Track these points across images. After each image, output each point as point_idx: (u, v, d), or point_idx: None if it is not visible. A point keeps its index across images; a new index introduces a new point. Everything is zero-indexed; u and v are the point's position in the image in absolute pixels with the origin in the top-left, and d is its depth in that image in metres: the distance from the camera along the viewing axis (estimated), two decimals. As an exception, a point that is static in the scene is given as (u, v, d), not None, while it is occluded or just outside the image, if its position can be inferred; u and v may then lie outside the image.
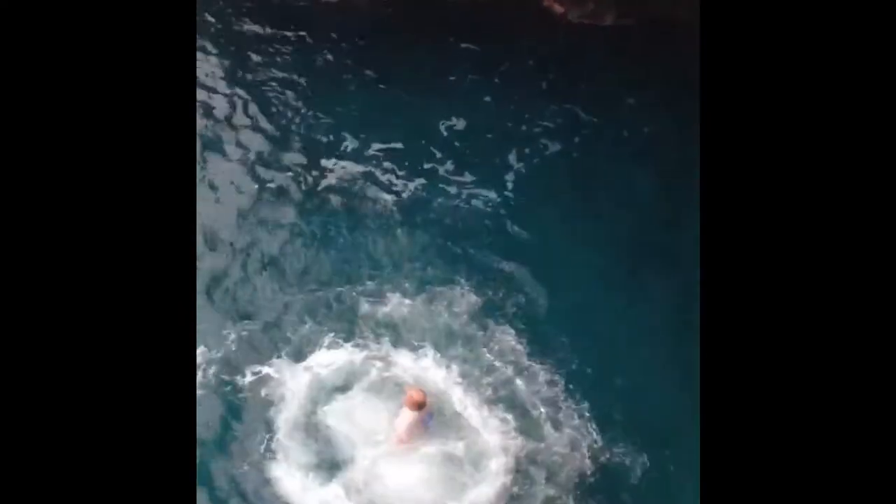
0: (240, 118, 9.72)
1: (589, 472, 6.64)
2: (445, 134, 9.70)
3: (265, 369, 7.11)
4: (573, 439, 6.81)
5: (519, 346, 7.38)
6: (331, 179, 9.04)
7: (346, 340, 7.34)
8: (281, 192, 8.85)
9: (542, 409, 6.96)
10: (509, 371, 7.19)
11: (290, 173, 9.07)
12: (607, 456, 6.73)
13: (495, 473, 6.54)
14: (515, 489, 6.51)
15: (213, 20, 11.08)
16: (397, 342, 7.34)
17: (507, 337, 7.45)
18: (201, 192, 8.61)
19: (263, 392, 6.98)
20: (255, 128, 9.62)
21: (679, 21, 9.77)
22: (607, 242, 8.52)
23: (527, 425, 6.86)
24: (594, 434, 6.83)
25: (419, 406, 6.38)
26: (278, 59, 10.60)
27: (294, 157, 9.30)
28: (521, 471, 6.59)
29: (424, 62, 10.56)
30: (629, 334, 7.68)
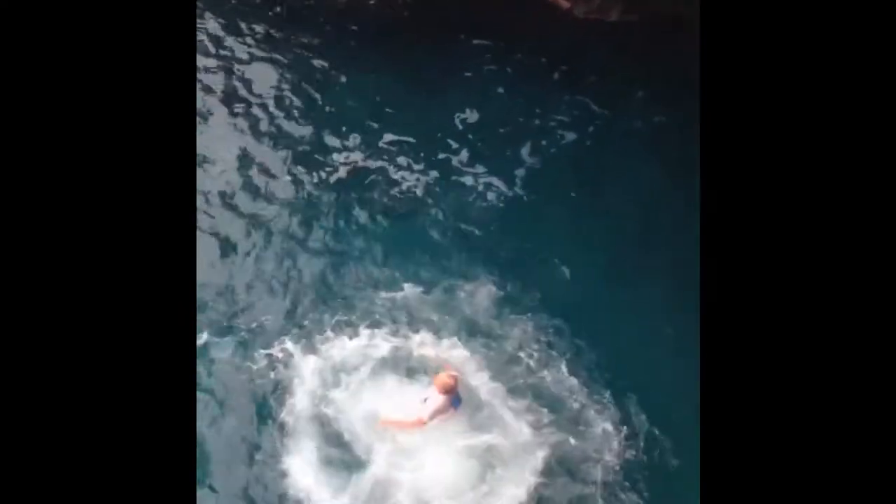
0: (251, 116, 9.84)
1: (615, 468, 6.66)
2: (460, 127, 9.80)
3: (281, 355, 7.18)
4: (597, 434, 6.83)
5: (539, 338, 7.42)
6: (342, 172, 9.15)
7: (363, 326, 7.42)
8: (294, 185, 8.98)
9: (565, 403, 6.99)
10: (530, 362, 7.23)
11: (302, 167, 9.20)
12: (633, 453, 6.77)
13: (523, 470, 6.56)
14: (548, 492, 6.51)
15: (221, 20, 11.13)
16: (416, 329, 7.42)
17: (527, 329, 7.49)
18: (213, 187, 8.80)
19: (277, 378, 7.06)
20: (271, 123, 9.75)
21: (683, 17, 9.76)
22: (619, 235, 8.61)
23: (551, 419, 6.89)
24: (616, 428, 6.87)
25: (449, 390, 6.46)
26: (289, 54, 10.71)
27: (307, 151, 9.42)
28: (550, 468, 6.60)
29: (436, 58, 10.66)
30: (645, 328, 7.71)
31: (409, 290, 7.76)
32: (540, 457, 6.62)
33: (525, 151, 9.53)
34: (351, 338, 7.33)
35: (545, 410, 6.92)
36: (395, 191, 8.97)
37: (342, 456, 6.60)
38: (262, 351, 7.24)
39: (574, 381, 7.14)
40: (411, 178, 9.12)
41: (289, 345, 7.25)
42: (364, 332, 7.38)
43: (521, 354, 7.29)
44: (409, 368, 7.14)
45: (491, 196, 8.98)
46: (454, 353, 7.20)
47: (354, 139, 9.55)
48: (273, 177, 9.04)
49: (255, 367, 7.15)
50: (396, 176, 9.14)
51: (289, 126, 9.72)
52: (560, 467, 6.62)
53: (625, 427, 6.89)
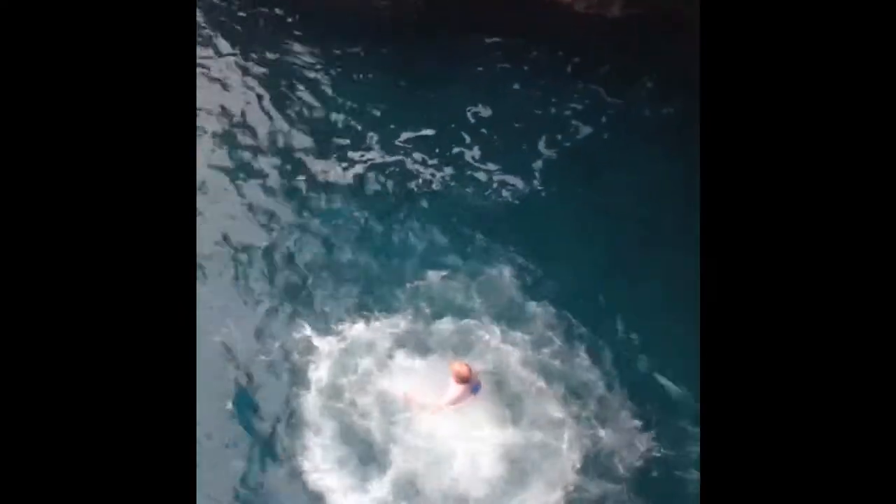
0: (264, 115, 9.99)
1: (639, 465, 6.63)
2: (474, 121, 9.90)
3: (299, 340, 7.31)
4: (623, 430, 6.83)
5: (561, 329, 7.47)
6: (358, 168, 9.27)
7: (382, 311, 7.55)
8: (312, 181, 9.12)
9: (590, 396, 7.00)
10: (555, 352, 7.27)
11: (320, 164, 9.32)
12: (659, 450, 6.74)
13: (555, 466, 6.54)
14: (583, 491, 6.47)
15: (232, 19, 11.27)
16: (437, 316, 7.52)
17: (548, 320, 7.54)
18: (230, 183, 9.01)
19: (295, 364, 7.16)
20: (284, 121, 9.90)
21: (683, 15, 9.76)
22: (631, 227, 8.65)
23: (581, 412, 6.91)
24: (642, 423, 6.86)
25: (465, 379, 6.55)
26: (302, 52, 10.84)
27: (323, 148, 9.55)
28: (583, 463, 6.59)
29: (448, 56, 10.76)
30: (666, 321, 7.65)
31: (429, 277, 7.88)
32: (573, 451, 6.63)
33: (542, 144, 9.61)
34: (369, 322, 7.43)
35: (577, 402, 6.95)
36: (412, 184, 9.09)
37: (360, 447, 6.66)
38: (277, 340, 7.36)
39: (597, 372, 7.17)
40: (426, 173, 9.23)
41: (308, 331, 7.38)
42: (383, 316, 7.49)
43: (546, 344, 7.33)
44: (427, 350, 7.24)
45: (506, 190, 9.06)
46: (477, 341, 7.29)
47: (371, 137, 9.68)
48: (290, 172, 9.19)
49: (269, 357, 7.26)
50: (413, 169, 9.25)
51: (304, 124, 9.85)
52: (591, 463, 6.65)
53: (650, 422, 6.88)
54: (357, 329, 7.41)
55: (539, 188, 9.09)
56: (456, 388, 6.59)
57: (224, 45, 10.94)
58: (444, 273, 7.96)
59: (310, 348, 7.30)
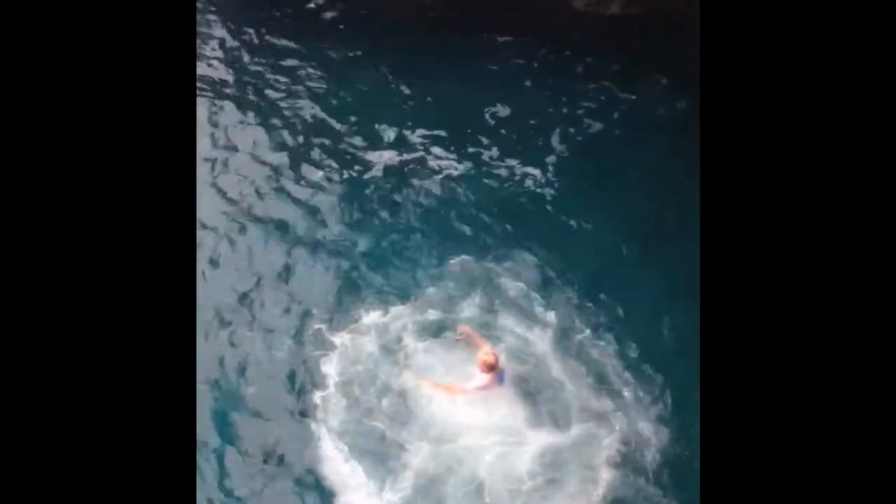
0: (281, 114, 10.11)
1: (661, 463, 6.56)
2: (492, 122, 10.00)
3: (315, 334, 7.34)
4: (643, 424, 6.79)
5: (577, 320, 7.49)
6: (376, 171, 9.34)
7: (399, 301, 7.61)
8: (329, 179, 9.21)
9: (608, 388, 6.98)
10: (567, 345, 7.29)
11: (336, 162, 9.42)
12: (682, 448, 6.66)
13: (585, 462, 6.51)
14: (618, 491, 6.42)
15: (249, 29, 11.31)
16: (456, 305, 7.56)
17: (568, 310, 7.59)
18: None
19: (312, 357, 7.17)
20: (304, 119, 10.04)
21: (683, 13, 9.79)
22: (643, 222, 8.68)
23: (609, 406, 6.91)
24: (665, 420, 6.80)
25: (491, 368, 6.60)
26: (317, 54, 10.96)
27: (341, 147, 9.66)
28: (613, 459, 6.55)
29: (460, 55, 10.84)
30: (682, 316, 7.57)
31: (447, 267, 7.96)
32: (604, 447, 6.60)
33: (555, 140, 9.69)
34: (387, 312, 7.47)
35: (599, 395, 6.94)
36: (427, 182, 9.17)
37: (378, 444, 6.65)
38: (290, 335, 7.37)
39: (618, 365, 7.17)
40: (445, 167, 9.31)
41: (323, 326, 7.39)
42: (401, 304, 7.54)
43: (567, 335, 7.37)
44: (448, 339, 7.24)
45: (528, 180, 9.15)
46: (504, 329, 7.34)
47: (388, 134, 9.78)
48: (308, 169, 9.29)
49: (282, 353, 7.27)
50: (432, 165, 9.36)
51: (321, 123, 9.95)
52: (622, 458, 6.59)
53: (669, 417, 6.84)
54: (374, 319, 7.42)
55: (553, 180, 9.16)
56: (482, 377, 6.63)
57: (239, 50, 11.03)
58: (461, 262, 8.02)
59: (324, 341, 7.27)
